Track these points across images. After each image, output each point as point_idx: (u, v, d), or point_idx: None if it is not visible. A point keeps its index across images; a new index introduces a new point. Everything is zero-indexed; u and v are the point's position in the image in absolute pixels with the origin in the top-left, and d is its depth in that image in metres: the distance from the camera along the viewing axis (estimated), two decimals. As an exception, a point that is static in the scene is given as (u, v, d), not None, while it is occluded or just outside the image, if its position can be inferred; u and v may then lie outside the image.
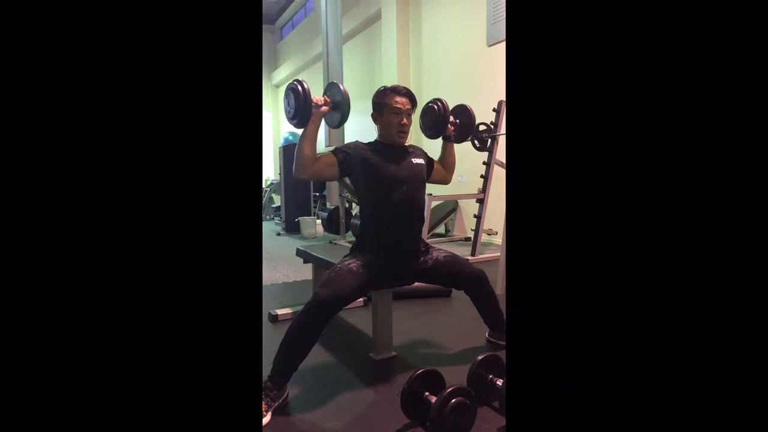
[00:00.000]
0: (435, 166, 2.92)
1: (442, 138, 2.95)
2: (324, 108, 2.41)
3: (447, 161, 2.98)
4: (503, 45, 7.40)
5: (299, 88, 2.33)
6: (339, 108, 2.52)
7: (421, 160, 2.72)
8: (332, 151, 2.56)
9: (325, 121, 2.55)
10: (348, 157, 2.54)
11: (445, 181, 3.01)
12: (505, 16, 7.25)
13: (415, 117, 2.70)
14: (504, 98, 5.89)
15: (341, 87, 2.50)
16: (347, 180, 2.70)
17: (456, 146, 2.99)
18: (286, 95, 2.40)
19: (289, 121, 2.43)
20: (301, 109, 2.34)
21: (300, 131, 2.40)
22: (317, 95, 2.40)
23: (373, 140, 2.71)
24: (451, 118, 2.91)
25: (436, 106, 2.83)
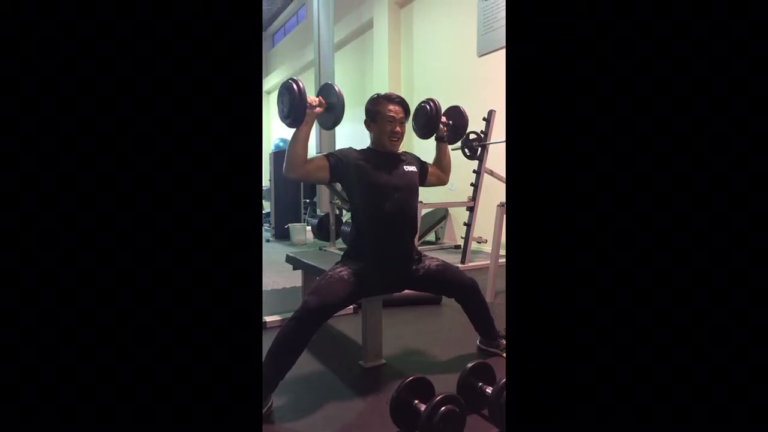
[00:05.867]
0: (430, 169, 2.93)
1: (436, 139, 2.96)
2: (318, 109, 2.40)
3: (442, 162, 2.99)
4: (493, 55, 7.52)
5: (294, 87, 2.31)
6: (333, 109, 2.50)
7: (413, 168, 2.72)
8: (324, 155, 2.54)
9: (318, 122, 2.54)
10: (340, 162, 2.53)
11: (442, 182, 3.01)
12: (495, 28, 7.36)
13: (408, 124, 2.70)
14: (493, 108, 5.94)
15: (336, 88, 2.49)
16: (338, 186, 2.69)
17: (449, 146, 3.00)
18: (281, 94, 2.38)
19: (282, 120, 2.41)
20: (295, 108, 2.32)
21: (292, 131, 2.38)
22: (311, 95, 2.39)
23: (365, 147, 2.71)
24: (444, 119, 2.92)
25: (428, 106, 2.84)
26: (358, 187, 2.56)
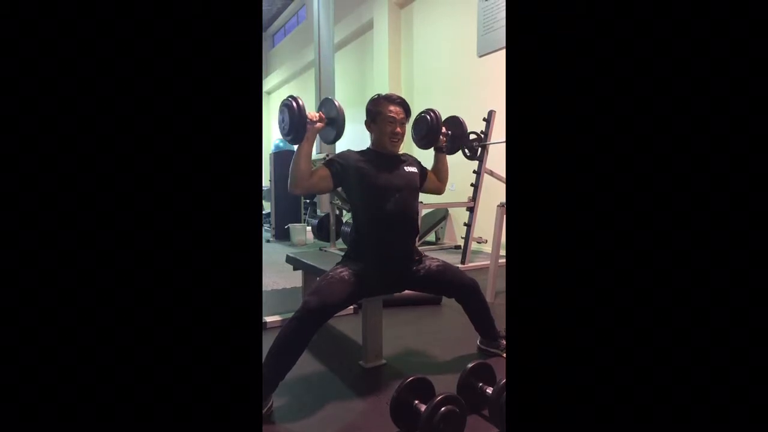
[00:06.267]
0: (429, 176, 2.93)
1: (434, 149, 2.97)
2: (319, 124, 2.41)
3: (440, 172, 2.99)
4: (493, 56, 7.53)
5: (294, 104, 2.32)
6: (334, 124, 2.51)
7: (414, 169, 2.72)
8: (325, 164, 2.55)
9: (320, 137, 2.55)
10: (341, 167, 2.53)
11: (439, 191, 3.02)
12: (495, 28, 7.38)
13: (408, 126, 2.71)
14: (493, 108, 5.94)
15: (336, 103, 2.50)
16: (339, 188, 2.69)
17: (447, 155, 3.00)
18: (281, 111, 2.40)
19: (283, 137, 2.42)
20: (296, 125, 2.33)
21: (295, 147, 2.39)
22: (311, 111, 2.40)
23: (365, 148, 2.71)
24: (443, 129, 2.92)
25: (428, 117, 2.85)
26: (358, 189, 2.56)
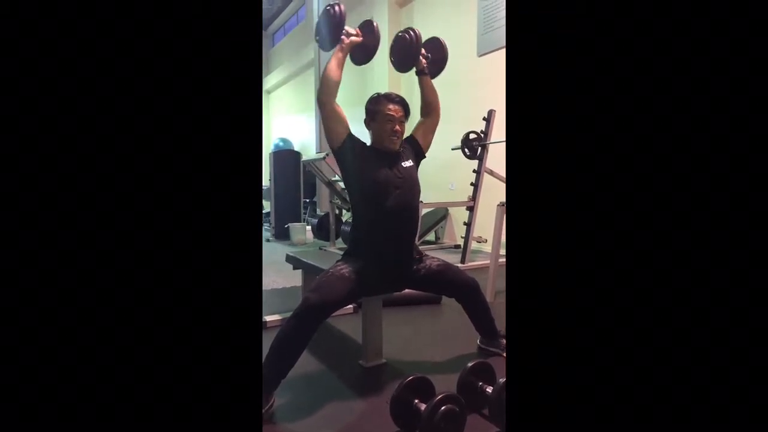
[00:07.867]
0: (417, 134, 2.83)
1: (417, 73, 2.83)
2: (354, 38, 2.53)
3: (428, 99, 2.85)
4: (493, 55, 7.51)
5: (332, 10, 2.51)
6: (366, 46, 2.63)
7: (410, 162, 2.67)
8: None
9: (350, 56, 2.65)
10: (353, 141, 2.55)
11: (435, 123, 2.88)
12: (495, 28, 7.38)
13: (411, 123, 2.68)
14: (493, 107, 5.93)
15: (375, 24, 2.63)
16: (338, 186, 2.69)
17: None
18: (323, 14, 2.58)
19: (316, 38, 2.62)
20: (332, 28, 2.49)
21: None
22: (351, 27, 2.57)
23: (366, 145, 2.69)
24: (423, 51, 2.81)
25: (407, 35, 2.75)
26: (357, 185, 2.57)
